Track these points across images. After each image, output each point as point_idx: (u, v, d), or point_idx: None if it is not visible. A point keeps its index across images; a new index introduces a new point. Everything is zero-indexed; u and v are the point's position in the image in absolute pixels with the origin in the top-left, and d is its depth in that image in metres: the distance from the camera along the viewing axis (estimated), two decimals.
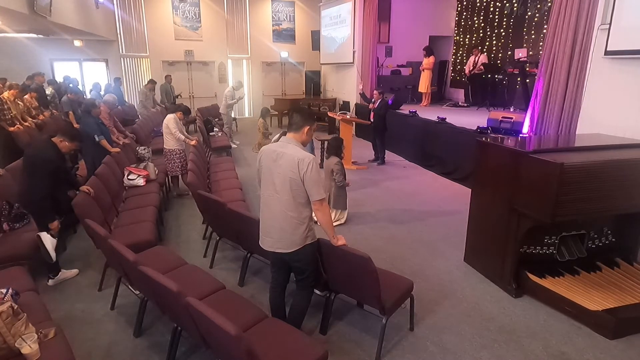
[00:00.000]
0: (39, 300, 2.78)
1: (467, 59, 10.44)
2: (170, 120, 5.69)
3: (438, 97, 11.87)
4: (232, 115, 10.19)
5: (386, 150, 8.24)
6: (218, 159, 7.43)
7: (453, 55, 12.09)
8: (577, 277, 3.55)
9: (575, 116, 4.74)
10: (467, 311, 3.32)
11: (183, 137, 5.78)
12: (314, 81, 13.61)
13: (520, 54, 8.22)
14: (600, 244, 3.76)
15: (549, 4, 7.56)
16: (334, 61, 12.26)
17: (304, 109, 3.20)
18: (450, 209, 5.57)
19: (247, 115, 14.67)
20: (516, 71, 8.67)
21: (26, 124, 6.97)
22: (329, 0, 11.95)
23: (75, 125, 7.07)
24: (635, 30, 3.98)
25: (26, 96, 7.63)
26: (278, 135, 5.17)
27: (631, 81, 4.16)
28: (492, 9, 10.28)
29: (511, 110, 7.94)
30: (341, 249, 2.65)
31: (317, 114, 11.40)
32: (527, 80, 8.00)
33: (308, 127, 2.61)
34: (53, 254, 3.56)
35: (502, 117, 6.45)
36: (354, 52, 10.91)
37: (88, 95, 9.74)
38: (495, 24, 10.23)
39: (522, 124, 5.82)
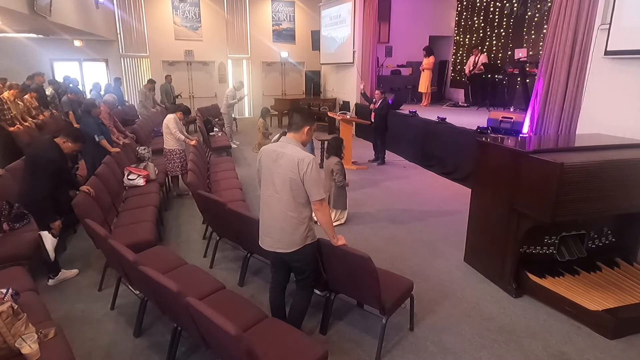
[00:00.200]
0: (39, 300, 2.78)
1: (467, 59, 10.44)
2: (170, 120, 5.69)
3: (438, 97, 11.87)
4: (233, 115, 10.20)
5: (386, 150, 8.24)
6: (218, 159, 7.43)
7: (453, 55, 12.09)
8: (577, 277, 3.55)
9: (575, 116, 4.74)
10: (467, 311, 3.32)
11: (183, 137, 5.78)
12: (314, 81, 13.62)
13: (520, 54, 8.22)
14: (600, 244, 3.76)
15: (549, 4, 7.56)
16: (334, 61, 12.26)
17: (304, 109, 3.20)
18: (450, 209, 5.57)
19: (247, 115, 14.67)
20: (516, 71, 8.67)
21: (26, 124, 6.97)
22: (329, 0, 11.95)
23: (75, 125, 7.06)
24: (635, 30, 3.98)
25: (26, 96, 7.63)
26: (278, 135, 5.17)
27: (631, 81, 4.16)
28: (492, 9, 10.28)
29: (511, 110, 7.94)
30: (341, 249, 2.65)
31: (317, 114, 11.40)
32: (527, 80, 8.00)
33: (308, 127, 2.61)
34: (52, 254, 3.57)
35: (502, 117, 6.45)
36: (354, 52, 10.91)
37: (88, 95, 9.74)
38: (495, 24, 10.23)
39: (522, 124, 5.82)
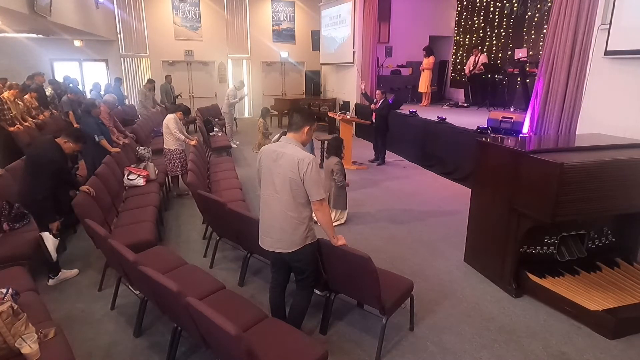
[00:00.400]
0: (39, 300, 2.78)
1: (467, 59, 10.44)
2: (170, 120, 5.69)
3: (438, 97, 11.87)
4: (234, 115, 10.20)
5: (386, 150, 8.24)
6: (218, 159, 7.43)
7: (453, 55, 12.09)
8: (577, 277, 3.55)
9: (575, 116, 4.74)
10: (467, 311, 3.32)
11: (183, 137, 5.78)
12: (314, 81, 13.61)
13: (520, 54, 8.22)
14: (600, 244, 3.76)
15: (549, 4, 7.56)
16: (334, 61, 12.26)
17: (304, 109, 3.20)
18: (450, 209, 5.57)
19: (247, 115, 14.67)
20: (516, 71, 8.67)
21: (26, 124, 6.97)
22: (329, 0, 11.95)
23: (75, 125, 7.07)
24: (635, 30, 3.98)
25: (26, 96, 7.63)
26: (278, 135, 5.17)
27: (631, 81, 4.16)
28: (492, 9, 10.28)
29: (511, 110, 7.94)
30: (341, 249, 2.65)
31: (317, 114, 11.40)
32: (527, 80, 8.00)
33: (308, 127, 2.61)
34: (54, 254, 3.59)
35: (502, 117, 6.45)
36: (354, 52, 10.91)
37: (88, 96, 9.74)
38: (495, 24, 10.23)
39: (522, 124, 5.82)
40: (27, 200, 3.74)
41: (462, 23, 11.51)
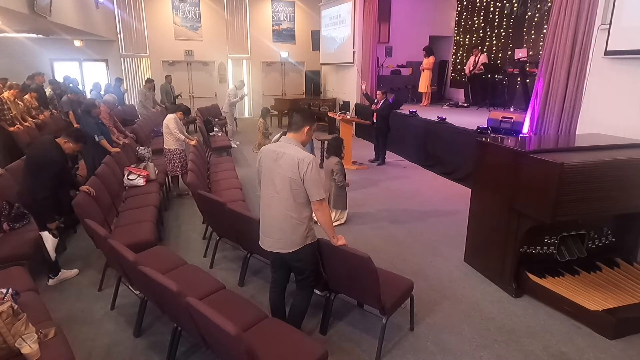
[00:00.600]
0: (39, 300, 2.78)
1: (467, 59, 10.44)
2: (171, 120, 5.69)
3: (438, 97, 11.87)
4: (235, 115, 10.20)
5: (386, 151, 8.24)
6: (218, 159, 7.43)
7: (453, 55, 12.09)
8: (577, 277, 3.55)
9: (575, 116, 4.74)
10: (467, 311, 3.32)
11: (183, 137, 5.78)
12: (314, 81, 13.61)
13: (520, 54, 8.23)
14: (600, 244, 3.76)
15: (549, 4, 7.56)
16: (334, 61, 12.26)
17: (304, 109, 3.20)
18: (450, 209, 5.57)
19: (247, 115, 14.67)
20: (516, 71, 8.67)
21: (26, 124, 6.97)
22: (329, 0, 11.95)
23: (75, 125, 7.07)
24: (635, 30, 3.98)
25: (26, 96, 7.63)
26: (278, 135, 5.17)
27: (631, 81, 4.16)
28: (492, 9, 10.28)
29: (511, 110, 7.93)
30: (341, 249, 2.65)
31: (317, 114, 11.40)
32: (527, 80, 8.00)
33: (308, 127, 2.61)
34: (53, 254, 3.59)
35: (502, 117, 6.45)
36: (354, 52, 10.91)
37: (88, 96, 9.74)
38: (495, 24, 10.22)
39: (522, 124, 5.82)
40: (27, 200, 3.75)
41: (462, 23, 11.51)
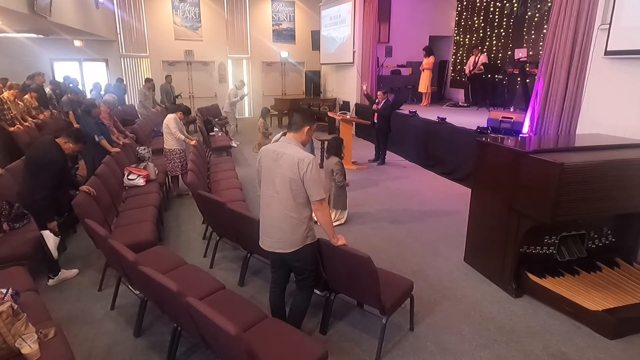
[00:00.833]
0: (39, 300, 2.78)
1: (467, 59, 10.44)
2: (171, 120, 5.69)
3: (438, 97, 11.87)
4: (236, 115, 10.21)
5: (387, 151, 8.24)
6: (218, 159, 7.43)
7: (453, 55, 12.08)
8: (577, 277, 3.55)
9: (575, 116, 4.74)
10: (467, 311, 3.32)
11: (183, 137, 5.78)
12: (314, 81, 13.61)
13: (520, 54, 8.22)
14: (600, 244, 3.76)
15: (549, 4, 7.56)
16: (334, 61, 12.26)
17: (304, 109, 3.21)
18: (450, 209, 5.57)
19: (247, 115, 14.67)
20: (516, 71, 8.67)
21: (26, 124, 6.97)
22: (329, 0, 11.95)
23: (75, 125, 7.07)
24: (635, 30, 3.98)
25: (26, 96, 7.63)
26: (278, 135, 5.17)
27: (631, 81, 4.16)
28: (492, 9, 10.28)
29: (511, 110, 7.94)
30: (341, 249, 2.65)
31: (317, 114, 11.40)
32: (527, 80, 8.00)
33: (308, 127, 2.61)
34: (55, 252, 3.59)
35: (502, 117, 6.45)
36: (354, 52, 10.91)
37: (88, 96, 9.75)
38: (495, 24, 10.22)
39: (522, 124, 5.82)
40: (27, 200, 3.75)
41: (462, 23, 11.51)
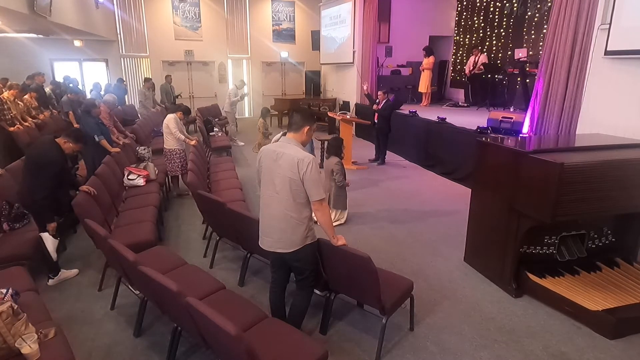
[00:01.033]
0: (39, 300, 2.78)
1: (467, 59, 10.44)
2: (171, 120, 5.69)
3: (438, 97, 11.87)
4: (236, 115, 10.21)
5: (387, 151, 8.23)
6: (218, 159, 7.43)
7: (453, 55, 12.08)
8: (577, 277, 3.55)
9: (575, 116, 4.74)
10: (467, 311, 3.32)
11: (183, 137, 5.78)
12: (314, 81, 13.61)
13: (520, 54, 8.22)
14: (600, 244, 3.76)
15: (549, 4, 7.56)
16: (334, 61, 12.26)
17: (304, 109, 3.21)
18: (450, 209, 5.57)
19: (247, 115, 14.67)
20: (516, 71, 8.67)
21: (26, 124, 6.97)
22: (329, 0, 11.95)
23: (75, 125, 7.07)
24: (635, 30, 3.98)
25: (26, 96, 7.63)
26: (278, 135, 5.17)
27: (631, 81, 4.16)
28: (492, 9, 10.28)
29: (511, 110, 7.94)
30: (341, 249, 2.65)
31: (317, 114, 11.40)
32: (527, 80, 8.00)
33: (308, 127, 2.61)
34: (54, 254, 3.59)
35: (502, 117, 6.45)
36: (354, 52, 10.91)
37: (88, 96, 9.75)
38: (495, 24, 10.22)
39: (522, 124, 5.82)
40: (27, 200, 3.74)
41: (462, 23, 11.51)
